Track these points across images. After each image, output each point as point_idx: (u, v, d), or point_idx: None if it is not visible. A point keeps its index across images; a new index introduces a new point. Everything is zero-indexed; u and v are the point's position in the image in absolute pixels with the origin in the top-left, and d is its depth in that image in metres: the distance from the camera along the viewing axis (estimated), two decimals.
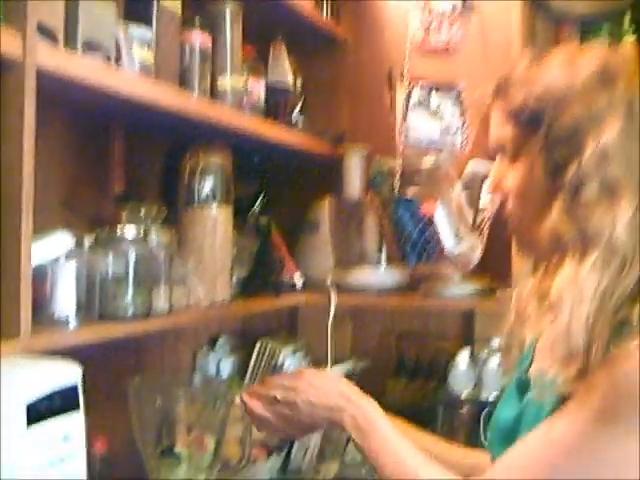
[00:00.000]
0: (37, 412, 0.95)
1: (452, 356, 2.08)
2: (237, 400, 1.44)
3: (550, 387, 0.98)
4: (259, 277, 1.91)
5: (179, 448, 1.37)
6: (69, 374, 1.02)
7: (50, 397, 0.98)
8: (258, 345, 2.17)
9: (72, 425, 1.01)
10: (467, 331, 2.18)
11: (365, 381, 2.27)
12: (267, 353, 2.17)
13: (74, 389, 1.02)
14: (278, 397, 1.21)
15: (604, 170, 0.98)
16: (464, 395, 1.88)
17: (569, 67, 1.04)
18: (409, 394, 2.15)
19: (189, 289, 1.53)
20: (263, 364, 2.17)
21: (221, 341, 2.18)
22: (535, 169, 1.05)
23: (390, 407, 2.08)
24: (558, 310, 0.99)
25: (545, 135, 1.02)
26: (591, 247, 0.97)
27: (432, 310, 2.20)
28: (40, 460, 0.96)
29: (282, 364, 2.16)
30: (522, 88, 1.06)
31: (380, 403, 2.10)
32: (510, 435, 1.06)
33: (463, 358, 1.95)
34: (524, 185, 1.08)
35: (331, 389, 1.20)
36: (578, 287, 0.97)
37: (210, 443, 1.40)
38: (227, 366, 2.18)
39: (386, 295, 2.06)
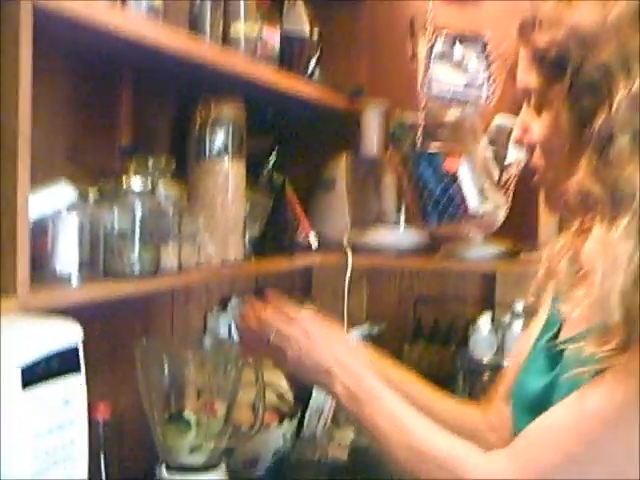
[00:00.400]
0: (33, 375, 0.88)
1: (472, 320, 2.01)
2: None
3: (588, 364, 0.90)
4: (272, 236, 1.83)
5: (188, 413, 1.30)
6: (69, 335, 0.95)
7: (48, 359, 0.90)
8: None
9: (72, 389, 0.93)
10: (488, 295, 2.10)
11: (381, 345, 2.21)
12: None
13: (74, 351, 0.94)
14: (270, 340, 1.13)
15: (636, 120, 0.89)
16: (485, 361, 1.80)
17: (599, 4, 0.93)
18: (427, 359, 2.08)
19: (199, 247, 1.45)
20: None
21: (233, 302, 2.11)
22: (561, 119, 0.96)
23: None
24: (591, 280, 0.90)
25: (571, 80, 0.93)
26: (623, 209, 0.88)
27: (452, 272, 2.12)
28: (37, 426, 0.89)
29: None
30: (547, 28, 0.96)
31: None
32: (538, 406, 0.98)
33: (484, 322, 1.87)
34: (550, 136, 0.99)
35: (326, 352, 1.10)
36: (610, 255, 0.88)
37: (220, 408, 1.33)
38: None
39: (404, 256, 1.98)
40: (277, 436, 1.73)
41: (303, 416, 1.93)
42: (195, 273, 1.42)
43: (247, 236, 1.66)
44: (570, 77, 0.93)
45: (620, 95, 0.89)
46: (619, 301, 0.86)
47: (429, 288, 2.20)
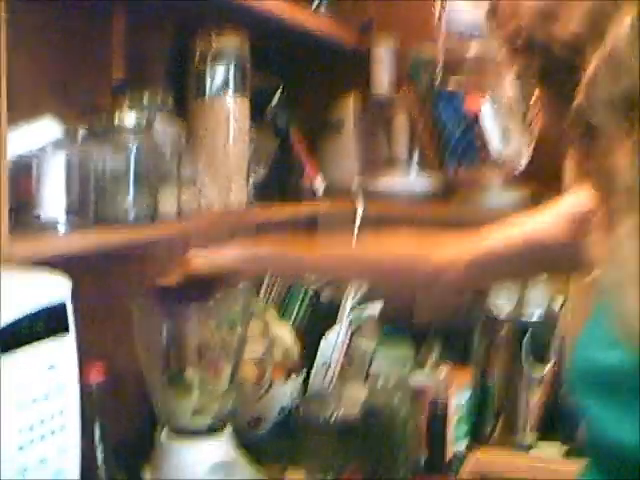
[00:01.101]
0: (14, 336, 0.76)
1: None
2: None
3: None
4: (277, 182, 1.71)
5: (189, 374, 1.19)
6: (56, 290, 0.83)
7: (31, 318, 0.78)
8: None
9: (60, 352, 0.82)
10: None
11: (391, 297, 2.11)
12: None
13: (62, 308, 0.82)
14: None
15: (617, 92, 0.75)
16: (504, 313, 1.69)
17: None
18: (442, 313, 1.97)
19: (200, 191, 1.33)
20: (281, 279, 1.99)
21: None
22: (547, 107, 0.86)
23: (420, 323, 1.92)
24: None
25: (544, 63, 0.81)
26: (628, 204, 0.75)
27: (469, 221, 1.98)
28: (20, 395, 0.77)
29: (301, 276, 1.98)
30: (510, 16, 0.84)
31: (409, 318, 1.95)
32: (618, 387, 0.83)
33: None
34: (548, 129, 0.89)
35: None
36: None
37: (225, 367, 1.23)
38: None
39: (417, 204, 1.86)
40: (282, 393, 1.63)
41: (309, 372, 1.83)
42: (195, 220, 1.30)
43: (251, 181, 1.54)
44: (543, 59, 0.81)
45: (595, 63, 0.75)
46: None
47: None
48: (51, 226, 1.02)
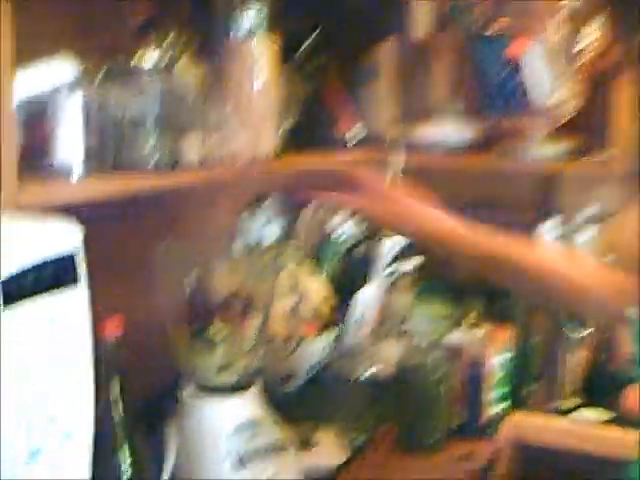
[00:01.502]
0: (18, 289, 0.71)
1: (529, 229, 1.81)
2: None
3: None
4: (309, 130, 1.63)
5: (215, 328, 1.13)
6: (65, 239, 0.77)
7: (37, 269, 0.72)
8: (309, 207, 1.92)
9: (69, 305, 0.76)
10: (550, 201, 1.89)
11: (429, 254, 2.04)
12: (319, 216, 1.92)
13: (71, 258, 0.76)
14: None
15: None
16: None
17: None
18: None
19: (226, 138, 1.26)
20: (314, 229, 1.93)
21: (267, 203, 1.93)
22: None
23: (460, 280, 1.85)
24: None
25: None
26: None
27: (509, 174, 1.91)
28: (24, 354, 0.72)
29: (334, 229, 1.92)
30: None
31: (449, 275, 1.87)
32: None
33: (547, 232, 1.67)
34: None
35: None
36: None
37: (253, 322, 1.17)
38: (273, 231, 1.94)
39: (455, 155, 1.77)
40: (314, 349, 1.58)
41: (343, 328, 1.78)
42: (221, 169, 1.23)
43: (281, 128, 1.46)
44: None
45: None
46: None
47: (481, 192, 2.00)
48: (66, 172, 0.97)
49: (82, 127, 0.98)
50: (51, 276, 0.75)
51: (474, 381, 1.45)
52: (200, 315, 1.14)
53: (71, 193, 0.96)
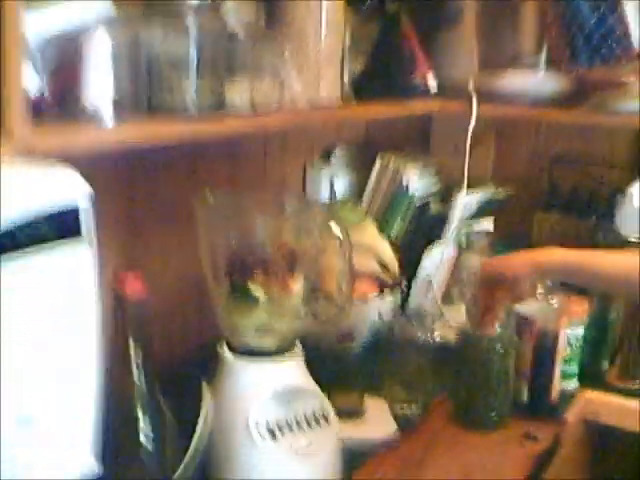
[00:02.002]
0: (13, 243, 0.65)
1: (621, 189, 1.66)
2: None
3: None
4: (382, 76, 1.52)
5: (254, 287, 1.06)
6: (69, 191, 0.70)
7: (33, 223, 0.66)
8: (379, 161, 1.83)
9: (72, 262, 0.70)
10: None
11: (508, 214, 1.91)
12: (389, 171, 1.82)
13: (74, 213, 0.70)
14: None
15: None
16: (634, 238, 1.47)
17: None
18: (561, 233, 1.76)
19: (282, 83, 1.17)
20: (384, 184, 1.83)
21: (335, 154, 1.85)
22: None
23: (536, 247, 1.72)
24: None
25: None
26: None
27: (601, 128, 1.75)
28: (23, 306, 0.66)
29: (406, 185, 1.81)
30: None
31: (525, 241, 1.75)
32: None
33: (637, 191, 1.52)
34: None
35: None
36: None
37: (296, 283, 1.09)
38: (341, 185, 1.86)
39: (542, 106, 1.63)
40: (375, 309, 1.49)
41: (410, 289, 1.68)
42: (274, 116, 1.15)
43: (347, 74, 1.36)
44: None
45: None
46: None
47: (570, 147, 1.85)
48: (94, 116, 0.90)
49: (112, 67, 0.91)
50: (52, 229, 0.68)
51: (544, 354, 1.33)
52: (242, 271, 1.07)
53: (100, 139, 0.90)
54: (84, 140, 0.87)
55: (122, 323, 0.87)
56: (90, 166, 0.76)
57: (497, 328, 1.23)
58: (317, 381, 1.11)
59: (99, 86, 0.90)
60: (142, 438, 0.89)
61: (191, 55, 0.99)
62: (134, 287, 0.87)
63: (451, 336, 1.49)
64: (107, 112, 0.90)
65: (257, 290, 1.07)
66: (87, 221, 0.71)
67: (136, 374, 0.88)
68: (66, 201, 0.70)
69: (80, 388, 0.74)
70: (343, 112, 1.34)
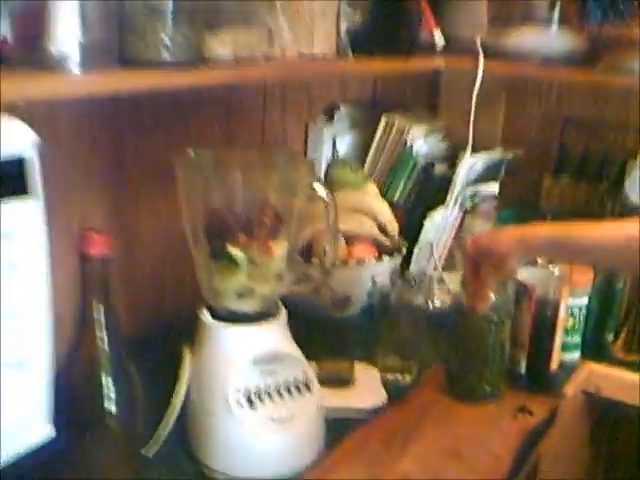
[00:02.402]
0: None
1: (633, 154, 1.59)
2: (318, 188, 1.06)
3: None
4: (383, 31, 1.45)
5: (234, 249, 1.01)
6: (12, 142, 0.65)
7: None
8: (384, 120, 1.76)
9: (15, 218, 0.65)
10: None
11: (517, 177, 1.85)
12: (394, 132, 1.76)
13: (19, 164, 0.65)
14: None
15: None
16: None
17: None
18: (570, 197, 1.69)
19: (271, 35, 1.11)
20: (388, 144, 1.77)
21: (339, 113, 1.78)
22: None
23: (546, 211, 1.66)
24: None
25: None
26: None
27: (615, 90, 1.67)
28: None
29: (411, 146, 1.75)
30: None
31: (534, 205, 1.69)
32: None
33: None
34: None
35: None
36: None
37: (279, 246, 1.03)
38: (345, 145, 1.80)
39: (554, 66, 1.55)
40: (373, 273, 1.44)
41: (411, 253, 1.63)
42: (260, 67, 1.08)
43: (344, 27, 1.30)
44: None
45: None
46: None
47: (582, 108, 1.77)
48: (62, 63, 0.85)
49: (81, 11, 0.85)
50: None
51: (544, 323, 1.28)
52: (222, 232, 1.02)
53: (66, 88, 0.85)
54: (48, 88, 0.81)
55: (86, 283, 0.82)
56: (70, 119, 0.71)
57: (492, 298, 1.17)
58: (307, 348, 1.06)
59: (66, 30, 0.85)
60: (106, 404, 0.85)
61: (168, 2, 0.93)
62: (99, 246, 0.82)
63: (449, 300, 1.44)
64: (74, 59, 0.85)
65: (237, 252, 1.02)
66: (33, 173, 0.66)
67: (100, 337, 0.84)
68: (11, 152, 0.65)
69: (30, 351, 0.70)
70: (339, 66, 1.27)
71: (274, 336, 1.04)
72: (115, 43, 0.91)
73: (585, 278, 1.34)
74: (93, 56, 0.87)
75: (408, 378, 1.28)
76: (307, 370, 1.05)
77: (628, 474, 1.51)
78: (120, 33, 0.91)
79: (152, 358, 1.03)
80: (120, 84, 0.89)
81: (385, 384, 1.24)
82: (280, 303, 1.08)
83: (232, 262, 1.02)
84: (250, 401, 0.99)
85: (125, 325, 1.30)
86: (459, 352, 1.25)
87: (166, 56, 0.94)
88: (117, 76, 0.88)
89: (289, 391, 1.02)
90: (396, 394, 1.22)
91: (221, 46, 1.01)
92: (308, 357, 1.10)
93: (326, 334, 1.44)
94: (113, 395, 0.85)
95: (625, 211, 1.39)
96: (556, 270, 1.27)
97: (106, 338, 0.84)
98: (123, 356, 0.87)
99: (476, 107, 1.58)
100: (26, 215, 0.66)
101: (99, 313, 0.83)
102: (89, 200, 1.21)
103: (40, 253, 0.68)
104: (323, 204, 1.07)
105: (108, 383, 0.85)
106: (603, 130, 1.73)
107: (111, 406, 0.85)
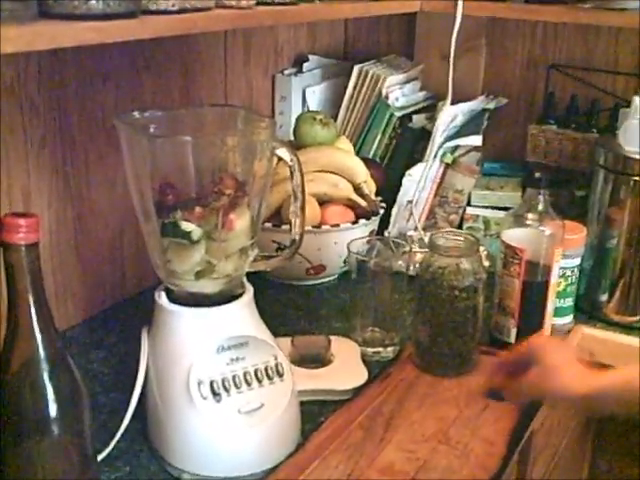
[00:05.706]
0: None
1: (625, 99, 1.49)
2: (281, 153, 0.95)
3: None
4: None
5: (188, 224, 0.89)
6: None
7: None
8: (356, 70, 1.64)
9: None
10: None
11: (500, 127, 1.74)
12: (367, 82, 1.64)
13: None
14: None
15: None
16: (638, 156, 1.29)
17: None
18: (558, 147, 1.59)
19: None
20: (361, 96, 1.65)
21: (310, 63, 1.66)
22: None
23: (532, 163, 1.56)
24: None
25: None
26: None
27: (604, 30, 1.56)
28: None
29: (387, 97, 1.63)
30: None
31: (519, 152, 1.57)
32: None
33: None
34: None
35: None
36: None
37: (240, 219, 0.92)
38: (316, 98, 1.68)
39: (539, 5, 1.43)
40: (348, 238, 1.33)
41: (389, 213, 1.52)
42: (207, 15, 0.95)
43: None
44: None
45: None
46: None
47: (569, 51, 1.66)
48: None
49: None
50: None
51: (535, 286, 1.18)
52: (175, 205, 0.90)
53: None
54: None
55: (10, 277, 0.71)
56: None
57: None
58: (278, 322, 0.96)
59: None
60: (50, 408, 0.74)
61: None
62: (25, 232, 0.70)
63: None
64: None
65: (192, 227, 0.90)
66: None
67: (33, 336, 0.73)
68: None
69: None
70: (294, 11, 1.14)
71: (239, 318, 0.93)
72: None
73: (577, 237, 1.24)
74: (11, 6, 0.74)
75: (390, 351, 1.18)
76: (277, 354, 0.94)
77: (620, 440, 1.44)
78: None
79: (113, 342, 0.92)
80: (41, 38, 0.76)
81: (365, 360, 1.14)
82: (246, 281, 0.97)
83: (186, 238, 0.91)
84: (214, 392, 0.89)
85: (81, 304, 1.20)
86: (427, 320, 1.15)
87: (98, 7, 0.81)
88: (32, 30, 0.75)
89: (258, 379, 0.92)
90: (378, 371, 1.12)
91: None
92: (280, 334, 1.00)
93: (300, 306, 1.34)
94: (53, 397, 0.75)
95: (617, 161, 1.28)
96: (546, 230, 1.17)
97: (40, 336, 0.73)
98: (62, 353, 0.76)
99: (455, 53, 1.46)
100: None
101: (30, 310, 0.72)
102: (31, 170, 1.09)
103: None
104: (288, 168, 0.95)
105: (47, 386, 0.74)
106: (592, 74, 1.62)
107: (52, 410, 0.75)
